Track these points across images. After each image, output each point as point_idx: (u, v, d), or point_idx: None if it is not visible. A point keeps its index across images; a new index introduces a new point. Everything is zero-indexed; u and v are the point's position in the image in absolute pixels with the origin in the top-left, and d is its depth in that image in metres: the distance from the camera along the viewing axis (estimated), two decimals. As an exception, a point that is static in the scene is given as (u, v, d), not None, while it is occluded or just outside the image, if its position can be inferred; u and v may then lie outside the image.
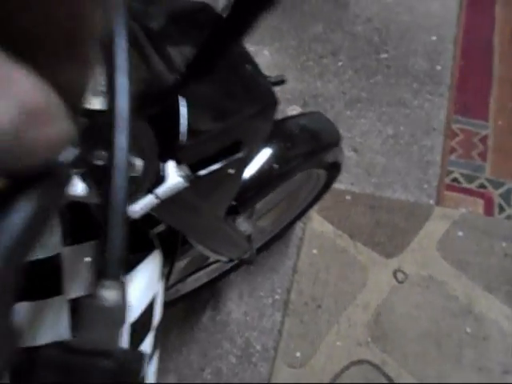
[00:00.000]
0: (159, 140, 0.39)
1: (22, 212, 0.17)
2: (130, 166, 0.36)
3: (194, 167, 0.46)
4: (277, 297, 1.30)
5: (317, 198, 1.21)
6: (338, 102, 1.62)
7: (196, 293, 1.23)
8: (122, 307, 0.18)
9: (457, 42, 1.72)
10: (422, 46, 1.72)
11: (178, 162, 0.42)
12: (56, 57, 0.18)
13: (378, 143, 1.53)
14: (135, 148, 0.36)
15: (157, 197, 0.41)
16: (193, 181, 0.44)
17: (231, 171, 0.55)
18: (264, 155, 0.82)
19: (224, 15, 0.26)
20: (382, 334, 1.21)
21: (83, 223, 0.47)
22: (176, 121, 0.41)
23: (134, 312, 0.50)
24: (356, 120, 1.58)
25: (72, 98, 0.20)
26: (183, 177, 0.42)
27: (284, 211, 1.22)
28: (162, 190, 0.41)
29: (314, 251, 1.36)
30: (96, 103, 0.34)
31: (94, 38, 0.19)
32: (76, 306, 0.16)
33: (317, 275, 1.32)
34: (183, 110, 0.41)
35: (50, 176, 0.18)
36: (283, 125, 0.89)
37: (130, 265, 0.50)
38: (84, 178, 0.34)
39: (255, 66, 0.51)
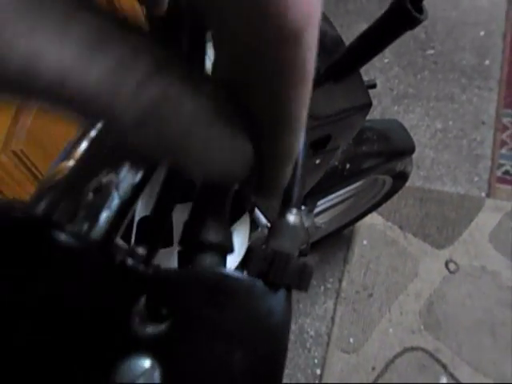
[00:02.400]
0: None
1: None
2: None
3: None
4: (329, 285, 1.35)
5: (376, 206, 1.22)
6: (385, 98, 1.65)
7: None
8: (302, 227, 0.23)
9: (506, 37, 1.71)
10: (469, 42, 1.73)
11: None
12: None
13: (426, 137, 1.55)
14: None
15: None
16: None
17: (318, 162, 0.60)
18: (339, 153, 0.85)
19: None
20: (434, 322, 1.23)
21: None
22: None
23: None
24: (404, 115, 1.60)
25: None
26: None
27: (341, 213, 1.25)
28: None
29: (365, 242, 1.39)
30: None
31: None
32: (272, 224, 0.22)
33: (368, 265, 1.35)
34: None
35: None
36: (361, 128, 0.92)
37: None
38: None
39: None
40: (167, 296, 0.18)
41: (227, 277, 0.19)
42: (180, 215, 0.52)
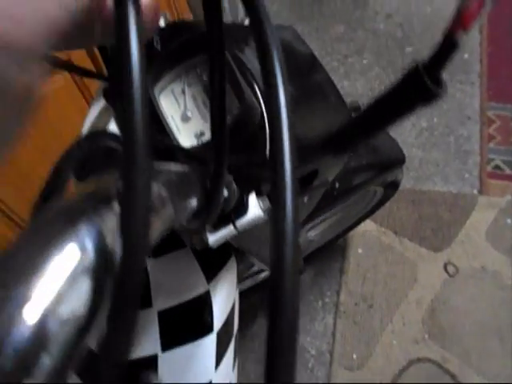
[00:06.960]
0: (242, 171, 0.39)
1: None
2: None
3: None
4: (327, 299, 1.29)
5: (368, 215, 1.18)
6: (367, 99, 1.61)
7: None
8: None
9: (482, 30, 1.69)
10: (447, 36, 1.70)
11: (260, 194, 0.42)
12: None
13: (412, 137, 1.51)
14: None
15: (236, 228, 0.41)
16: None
17: (306, 199, 0.54)
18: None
19: None
20: (438, 329, 1.18)
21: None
22: (261, 153, 0.40)
23: (219, 321, 0.50)
24: (388, 116, 1.56)
25: None
26: (264, 210, 0.41)
27: (334, 224, 1.19)
28: (242, 222, 0.40)
29: (360, 251, 1.34)
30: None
31: None
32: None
33: (365, 275, 1.30)
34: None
35: None
36: None
37: (213, 272, 0.50)
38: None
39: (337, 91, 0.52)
40: None
41: None
42: (156, 272, 0.46)
